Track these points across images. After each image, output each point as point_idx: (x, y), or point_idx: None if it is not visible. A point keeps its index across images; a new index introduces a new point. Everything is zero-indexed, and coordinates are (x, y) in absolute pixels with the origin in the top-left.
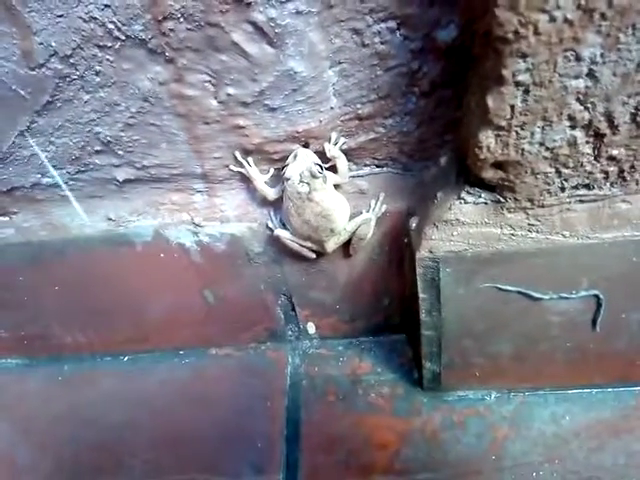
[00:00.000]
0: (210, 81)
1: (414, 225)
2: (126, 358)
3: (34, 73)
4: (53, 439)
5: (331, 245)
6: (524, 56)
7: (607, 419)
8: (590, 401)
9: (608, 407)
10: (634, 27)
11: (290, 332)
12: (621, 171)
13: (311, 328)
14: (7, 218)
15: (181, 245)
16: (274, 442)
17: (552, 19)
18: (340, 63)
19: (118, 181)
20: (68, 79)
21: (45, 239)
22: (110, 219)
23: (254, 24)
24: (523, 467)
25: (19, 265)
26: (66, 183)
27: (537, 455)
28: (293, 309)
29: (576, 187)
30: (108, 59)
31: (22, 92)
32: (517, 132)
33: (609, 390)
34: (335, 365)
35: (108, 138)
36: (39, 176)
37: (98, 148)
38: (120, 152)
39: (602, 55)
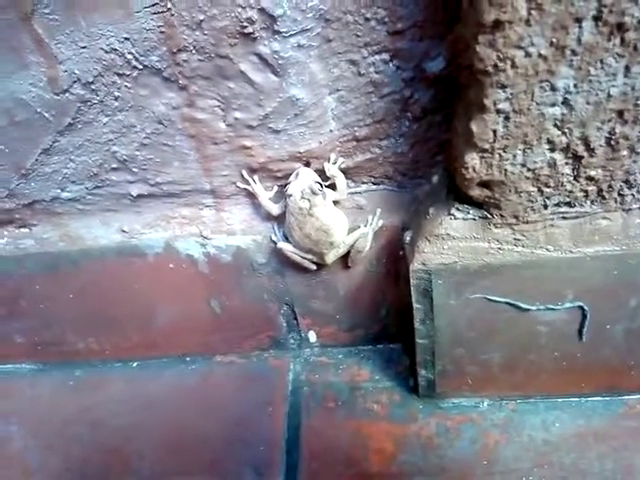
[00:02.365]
0: (219, 106)
1: (408, 239)
2: (135, 364)
3: (58, 98)
4: (63, 441)
5: (331, 257)
6: (503, 87)
7: (595, 427)
8: (579, 409)
9: (596, 415)
10: (602, 62)
11: (292, 340)
12: (600, 190)
13: (312, 337)
14: (27, 230)
15: (190, 256)
16: (275, 446)
17: (527, 54)
18: (338, 90)
19: (132, 196)
20: (89, 103)
21: (62, 250)
22: (124, 231)
23: (260, 56)
24: (513, 472)
25: (36, 274)
26: (84, 197)
27: (527, 461)
28: (295, 318)
29: (558, 205)
30: (126, 86)
31: (46, 114)
32: (500, 154)
33: (598, 399)
34: (335, 373)
35: (124, 157)
36: (59, 191)
37: (115, 166)
38: (135, 169)
39: (575, 86)
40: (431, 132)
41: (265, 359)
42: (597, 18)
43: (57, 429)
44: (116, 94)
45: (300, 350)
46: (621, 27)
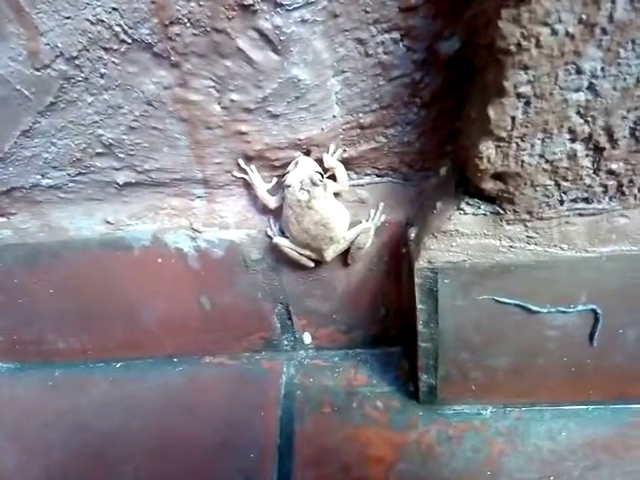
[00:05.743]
0: (214, 86)
1: (413, 235)
2: (119, 364)
3: (39, 74)
4: (42, 444)
5: (330, 254)
6: (526, 68)
7: (603, 436)
8: (587, 418)
9: (604, 424)
10: (634, 42)
11: (286, 342)
12: (620, 185)
13: (307, 338)
14: (5, 219)
15: (179, 250)
16: (266, 453)
17: (554, 32)
18: (344, 72)
19: (118, 184)
20: (72, 80)
21: (42, 241)
22: (108, 222)
23: (260, 31)
24: None
25: (15, 267)
26: (66, 185)
27: (533, 471)
28: (290, 318)
29: (575, 200)
30: (113, 62)
31: (26, 92)
32: (517, 143)
33: (606, 407)
34: (330, 376)
35: (110, 141)
36: (39, 177)
37: (100, 150)
38: (121, 155)
39: (602, 69)
40: (440, 120)
41: (257, 361)
42: None
43: (36, 432)
44: (102, 71)
45: (294, 352)
46: None
